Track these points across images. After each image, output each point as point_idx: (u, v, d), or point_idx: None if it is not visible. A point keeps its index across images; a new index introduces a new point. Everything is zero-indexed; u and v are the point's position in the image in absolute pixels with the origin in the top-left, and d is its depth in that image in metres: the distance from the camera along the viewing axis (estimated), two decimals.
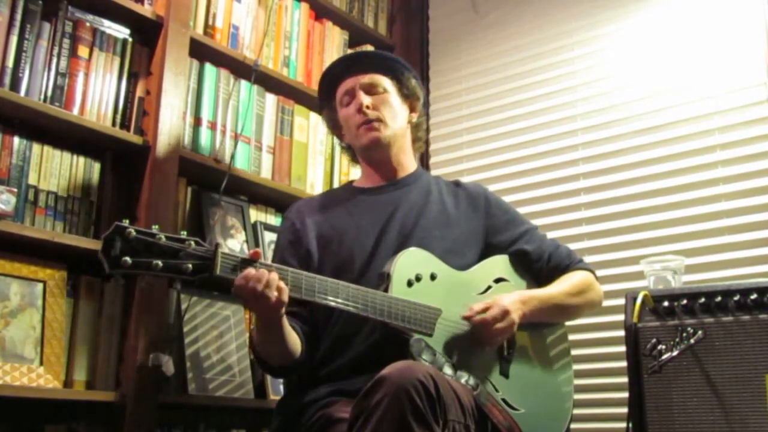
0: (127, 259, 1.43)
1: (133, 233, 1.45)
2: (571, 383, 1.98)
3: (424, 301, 1.74)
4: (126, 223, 1.46)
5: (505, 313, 1.77)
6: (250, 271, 1.56)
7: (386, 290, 1.71)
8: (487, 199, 2.03)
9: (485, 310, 1.78)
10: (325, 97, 2.09)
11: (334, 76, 2.05)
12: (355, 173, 2.52)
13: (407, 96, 2.04)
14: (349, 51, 2.95)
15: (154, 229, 1.49)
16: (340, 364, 1.78)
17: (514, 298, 1.83)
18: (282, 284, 1.58)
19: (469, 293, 1.85)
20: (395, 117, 1.98)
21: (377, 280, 1.76)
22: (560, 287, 1.94)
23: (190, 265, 1.50)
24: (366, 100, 1.95)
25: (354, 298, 1.66)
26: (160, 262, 1.47)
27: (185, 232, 1.53)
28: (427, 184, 2.03)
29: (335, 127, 2.10)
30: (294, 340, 1.75)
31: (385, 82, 2.00)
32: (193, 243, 1.52)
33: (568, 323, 2.05)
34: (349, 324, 1.78)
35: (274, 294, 1.56)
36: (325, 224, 1.94)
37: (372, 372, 1.48)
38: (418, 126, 2.09)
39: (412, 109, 2.06)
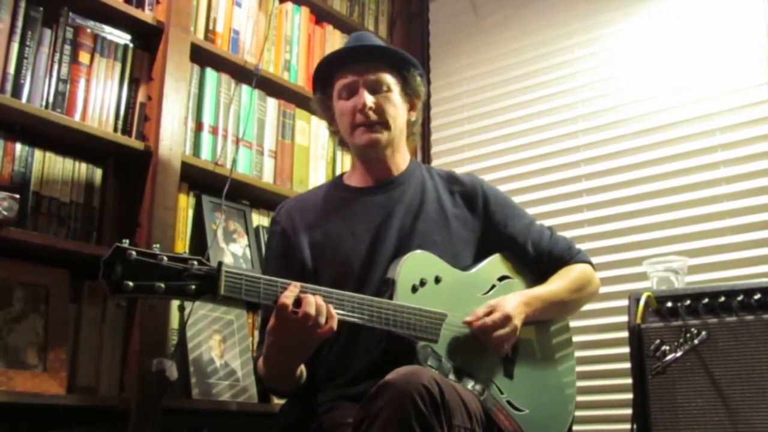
0: (129, 283, 1.41)
1: (134, 255, 1.41)
2: (573, 382, 1.97)
3: (429, 306, 1.72)
4: (126, 243, 1.43)
5: (507, 319, 1.73)
6: (307, 296, 1.54)
7: (391, 297, 1.69)
8: (485, 196, 1.96)
9: (488, 314, 1.74)
10: (321, 80, 1.97)
11: (335, 63, 1.94)
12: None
13: (409, 94, 1.95)
14: None
15: (156, 248, 1.46)
16: (347, 377, 1.75)
17: (517, 300, 1.80)
18: (332, 310, 1.56)
19: (473, 294, 1.84)
20: (396, 118, 1.90)
21: (381, 286, 1.73)
22: (561, 284, 1.91)
23: (193, 286, 1.47)
24: (369, 100, 1.86)
25: (359, 308, 1.63)
26: (162, 285, 1.44)
27: (187, 250, 1.50)
28: (421, 180, 1.96)
29: (326, 111, 2.00)
30: (302, 369, 1.72)
31: (389, 79, 1.90)
32: (196, 262, 1.48)
33: (570, 324, 2.04)
34: (353, 334, 1.75)
35: (323, 321, 1.55)
36: (317, 230, 1.89)
37: (378, 377, 1.46)
38: (414, 123, 2.00)
39: (411, 107, 1.97)
